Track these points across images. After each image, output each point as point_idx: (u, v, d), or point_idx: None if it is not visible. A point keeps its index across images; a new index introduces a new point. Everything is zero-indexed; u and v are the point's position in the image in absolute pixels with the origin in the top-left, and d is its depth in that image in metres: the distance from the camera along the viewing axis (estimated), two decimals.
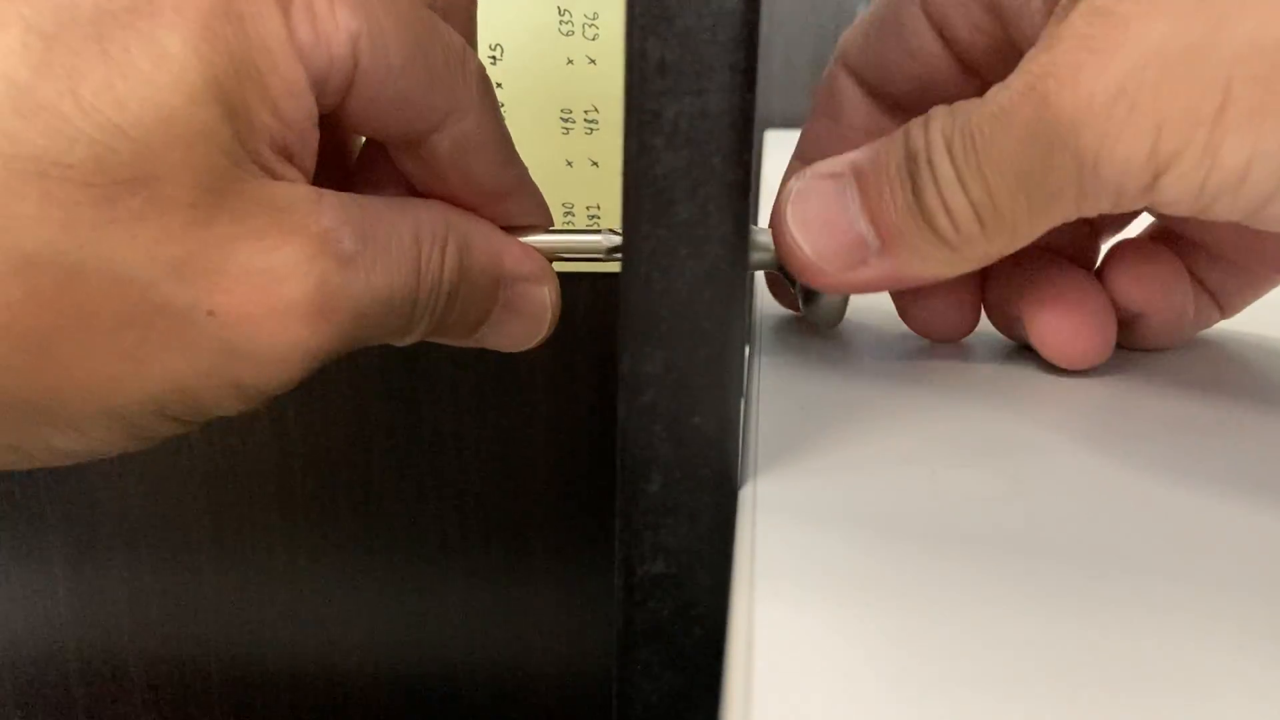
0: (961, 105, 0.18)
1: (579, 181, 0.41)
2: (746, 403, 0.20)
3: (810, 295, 0.23)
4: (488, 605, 0.49)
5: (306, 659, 0.49)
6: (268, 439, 0.46)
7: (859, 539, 0.15)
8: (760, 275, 0.28)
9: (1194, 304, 0.23)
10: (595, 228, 0.37)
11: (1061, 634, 0.12)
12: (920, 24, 0.22)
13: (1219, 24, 0.15)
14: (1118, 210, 0.17)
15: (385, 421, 0.46)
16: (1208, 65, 0.15)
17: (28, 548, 0.48)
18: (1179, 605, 0.13)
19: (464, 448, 0.47)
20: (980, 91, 0.22)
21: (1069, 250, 0.23)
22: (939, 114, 0.19)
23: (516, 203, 0.21)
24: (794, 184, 0.20)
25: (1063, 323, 0.21)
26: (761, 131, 0.52)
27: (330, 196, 0.17)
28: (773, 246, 0.23)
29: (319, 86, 0.17)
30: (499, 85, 0.40)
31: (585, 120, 0.41)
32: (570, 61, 0.40)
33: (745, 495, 0.16)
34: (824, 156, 0.24)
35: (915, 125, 0.19)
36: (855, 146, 0.22)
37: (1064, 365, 0.21)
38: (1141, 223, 0.24)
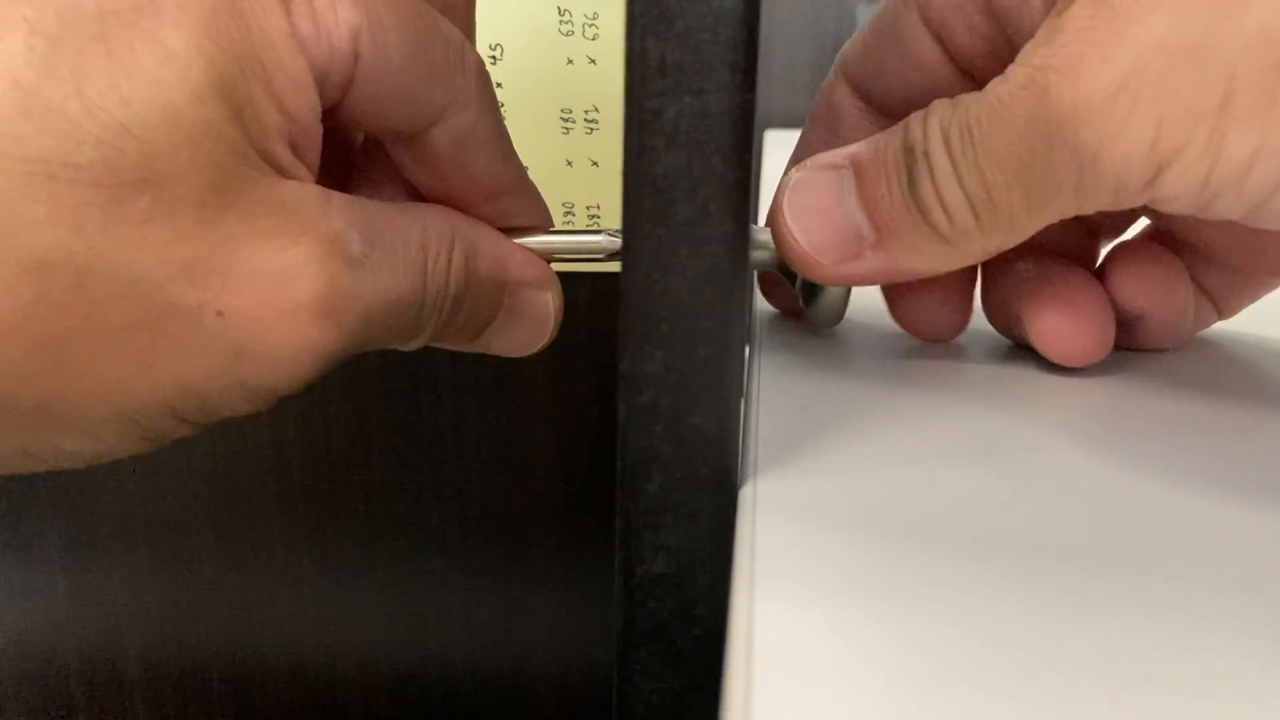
0: (961, 98, 0.18)
1: (579, 181, 0.41)
2: (746, 403, 0.20)
3: (810, 294, 0.23)
4: (488, 605, 0.49)
5: (306, 659, 0.49)
6: (268, 439, 0.46)
7: (859, 539, 0.15)
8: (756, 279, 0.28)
9: (1194, 306, 0.23)
10: (595, 228, 0.37)
11: (1061, 634, 0.12)
12: (918, 31, 0.22)
13: (1223, 16, 0.15)
14: (1116, 207, 0.17)
15: (385, 421, 0.46)
16: (1212, 58, 0.15)
17: (28, 548, 0.48)
18: (1179, 605, 0.13)
19: (464, 448, 0.47)
20: None
21: (1068, 251, 0.23)
22: (938, 107, 0.18)
23: (515, 200, 0.21)
24: (794, 174, 0.20)
25: (1062, 321, 0.21)
26: (761, 131, 0.52)
27: (339, 198, 0.17)
28: (773, 246, 0.23)
29: (321, 81, 0.17)
30: (499, 85, 0.40)
31: (585, 120, 0.41)
32: (570, 61, 0.40)
33: (745, 495, 0.16)
34: None
35: (915, 118, 0.19)
36: None
37: (1063, 363, 0.21)
38: (1140, 225, 0.24)
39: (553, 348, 0.23)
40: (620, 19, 0.37)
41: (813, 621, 0.13)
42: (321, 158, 0.18)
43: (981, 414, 0.20)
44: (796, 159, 0.24)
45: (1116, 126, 0.16)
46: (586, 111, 0.41)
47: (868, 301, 0.24)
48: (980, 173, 0.18)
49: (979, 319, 0.24)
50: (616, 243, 0.21)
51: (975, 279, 0.23)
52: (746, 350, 0.20)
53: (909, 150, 0.18)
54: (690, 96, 0.15)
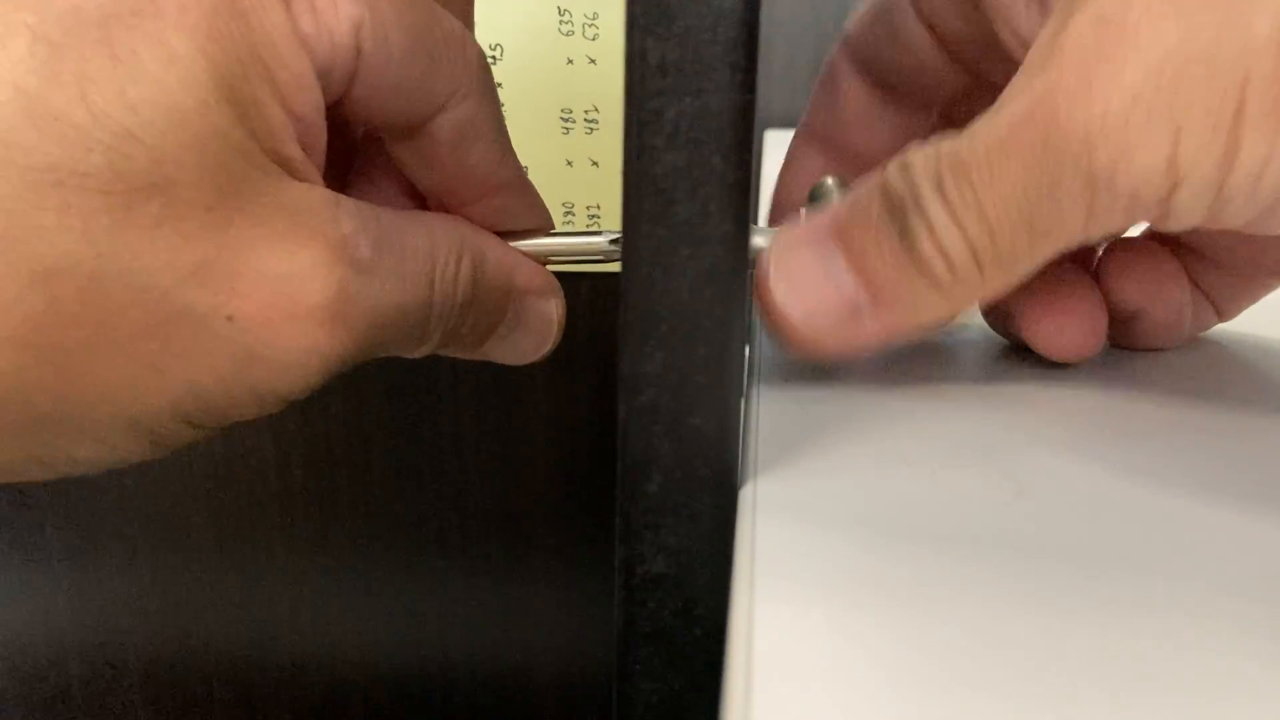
0: (944, 142, 0.17)
1: (579, 181, 0.41)
2: (746, 403, 0.20)
3: None
4: (488, 605, 0.49)
5: (306, 659, 0.49)
6: (268, 439, 0.46)
7: (859, 539, 0.15)
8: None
9: (1192, 306, 0.23)
10: (595, 229, 0.37)
11: (1061, 634, 0.12)
12: (909, 15, 0.22)
13: (1231, 21, 0.15)
14: (1126, 228, 0.17)
15: (385, 421, 0.46)
16: (1223, 65, 0.15)
17: (28, 547, 0.48)
18: (1179, 605, 0.13)
19: (464, 448, 0.47)
20: (968, 84, 0.22)
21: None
22: (916, 155, 0.18)
23: (513, 197, 0.21)
24: (773, 248, 0.19)
25: (1054, 317, 0.21)
26: (761, 131, 0.52)
27: (348, 203, 0.17)
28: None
29: (324, 77, 0.17)
30: (499, 85, 0.40)
31: (585, 120, 0.41)
32: (570, 61, 0.40)
33: (745, 495, 0.16)
34: (826, 137, 0.24)
35: (892, 169, 0.18)
36: (854, 129, 0.22)
37: (1056, 358, 0.22)
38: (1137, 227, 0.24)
39: None
40: (620, 19, 0.37)
41: (813, 621, 0.13)
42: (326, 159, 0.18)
43: (981, 414, 0.20)
44: (800, 131, 0.24)
45: (1133, 142, 0.15)
46: (586, 111, 0.41)
47: None
48: (984, 217, 0.17)
49: (978, 320, 0.24)
50: (616, 250, 0.21)
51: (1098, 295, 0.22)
52: (746, 350, 0.20)
53: (895, 204, 0.17)
54: (690, 96, 0.15)
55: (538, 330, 0.22)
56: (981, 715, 0.11)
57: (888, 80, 0.23)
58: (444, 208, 0.21)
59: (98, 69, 0.15)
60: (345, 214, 0.17)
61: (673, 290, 0.16)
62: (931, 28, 0.22)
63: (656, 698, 0.17)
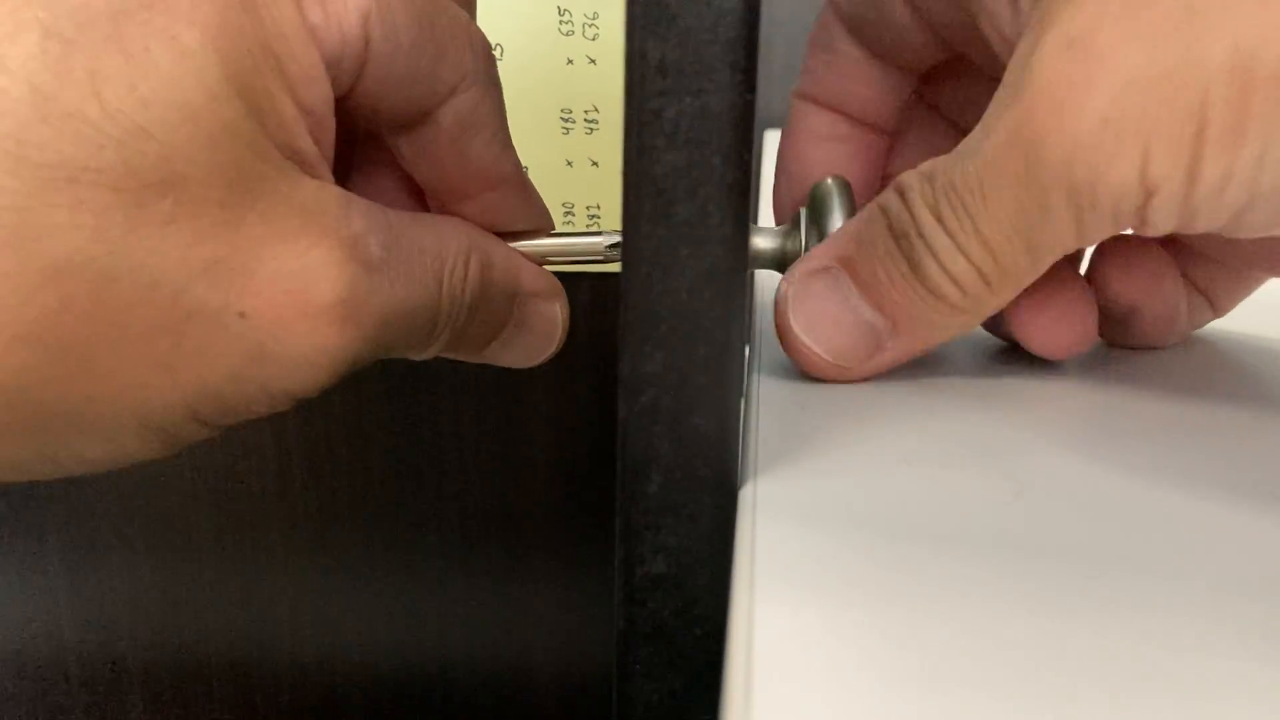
0: (937, 169, 0.18)
1: (579, 181, 0.41)
2: (746, 403, 0.20)
3: None
4: (488, 605, 0.49)
5: (306, 659, 0.49)
6: (268, 439, 0.46)
7: (859, 539, 0.15)
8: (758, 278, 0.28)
9: (1186, 302, 0.23)
10: (595, 229, 0.37)
11: (1061, 634, 0.12)
12: None
13: (1192, 47, 0.15)
14: (1116, 233, 0.17)
15: (385, 421, 0.46)
16: (1184, 88, 0.15)
17: (28, 548, 0.48)
18: (1178, 605, 0.13)
19: (464, 448, 0.47)
20: (950, 58, 0.22)
21: None
22: (913, 184, 0.19)
23: (512, 193, 0.21)
24: (786, 289, 0.20)
25: (1044, 314, 0.21)
26: (761, 131, 0.52)
27: (359, 202, 0.17)
28: (773, 246, 0.23)
29: (333, 69, 0.17)
30: None
31: (585, 120, 0.41)
32: (570, 61, 0.40)
33: (745, 495, 0.16)
34: (823, 93, 0.24)
35: (890, 199, 0.19)
36: (850, 87, 0.22)
37: (1046, 355, 0.22)
38: None
39: None
40: (620, 19, 0.37)
41: (812, 621, 0.13)
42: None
43: (981, 414, 0.20)
44: (799, 89, 0.24)
45: (1106, 162, 0.16)
46: (586, 111, 0.41)
47: None
48: (983, 240, 0.18)
49: None
50: (616, 252, 0.21)
51: (1088, 290, 0.22)
52: (746, 350, 0.20)
53: (899, 235, 0.19)
54: (690, 96, 0.15)
55: (542, 333, 0.22)
56: (982, 715, 0.11)
57: (874, 47, 0.23)
58: (443, 205, 0.21)
59: (109, 65, 0.14)
60: (356, 213, 0.17)
61: (673, 290, 0.16)
62: (915, 9, 0.22)
63: (656, 698, 0.17)
